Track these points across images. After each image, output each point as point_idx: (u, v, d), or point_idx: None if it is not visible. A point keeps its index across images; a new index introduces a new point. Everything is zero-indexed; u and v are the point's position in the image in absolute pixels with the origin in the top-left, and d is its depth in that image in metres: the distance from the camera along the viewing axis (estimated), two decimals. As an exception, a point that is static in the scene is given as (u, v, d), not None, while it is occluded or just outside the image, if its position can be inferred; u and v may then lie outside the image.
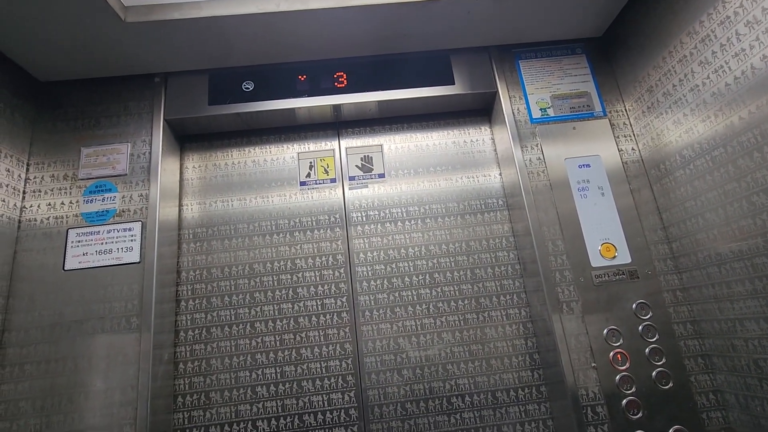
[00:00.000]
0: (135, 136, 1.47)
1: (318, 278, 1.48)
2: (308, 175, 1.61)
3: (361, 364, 1.40)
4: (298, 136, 1.66)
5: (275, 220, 1.55)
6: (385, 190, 1.59)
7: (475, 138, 1.66)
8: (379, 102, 1.55)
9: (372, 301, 1.46)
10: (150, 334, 1.25)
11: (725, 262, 1.16)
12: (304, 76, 1.55)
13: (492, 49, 1.59)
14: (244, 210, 1.56)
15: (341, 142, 1.66)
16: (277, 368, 1.38)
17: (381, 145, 1.65)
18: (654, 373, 1.24)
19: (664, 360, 1.25)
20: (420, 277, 1.48)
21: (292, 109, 1.54)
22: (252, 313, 1.44)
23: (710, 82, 1.16)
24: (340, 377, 1.38)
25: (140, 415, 1.19)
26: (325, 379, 1.38)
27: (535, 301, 1.40)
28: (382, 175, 1.61)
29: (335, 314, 1.44)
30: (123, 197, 1.40)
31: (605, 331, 1.28)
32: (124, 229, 1.37)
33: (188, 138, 1.64)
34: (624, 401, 1.21)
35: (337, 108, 1.57)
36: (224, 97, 1.52)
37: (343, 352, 1.41)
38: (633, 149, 1.48)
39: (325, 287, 1.47)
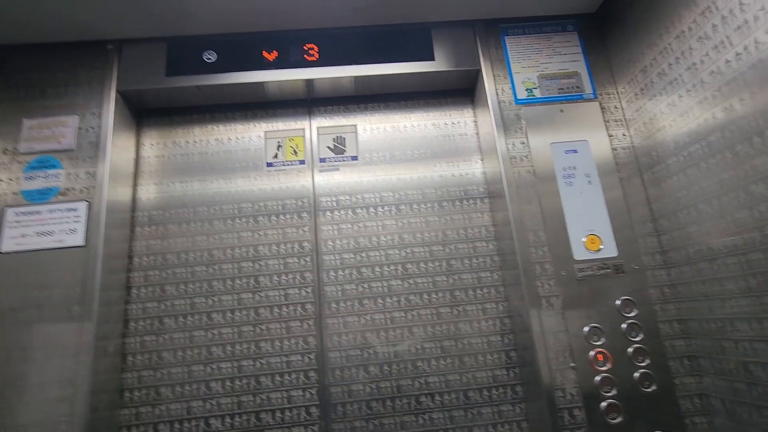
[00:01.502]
0: (84, 108, 1.34)
1: (282, 267, 1.37)
2: (276, 155, 1.49)
3: (325, 359, 1.30)
4: (266, 113, 1.54)
5: (238, 203, 1.43)
6: (357, 174, 1.48)
7: (456, 120, 1.55)
8: (355, 78, 1.43)
9: (339, 293, 1.36)
10: (92, 324, 1.15)
11: (718, 257, 1.07)
12: (272, 48, 1.42)
13: (477, 24, 1.47)
14: (205, 192, 1.44)
15: (312, 121, 1.54)
16: (234, 363, 1.28)
17: (355, 126, 1.53)
18: (637, 374, 1.15)
19: (647, 361, 1.17)
20: (392, 268, 1.38)
21: (260, 84, 1.41)
22: (209, 302, 1.33)
23: (709, 59, 1.05)
24: (302, 373, 1.29)
25: (78, 411, 1.09)
26: (286, 374, 1.28)
27: (513, 295, 1.30)
28: (355, 158, 1.50)
29: (299, 305, 1.34)
30: (68, 174, 1.28)
31: (586, 328, 1.19)
32: (68, 210, 1.25)
33: (146, 113, 1.51)
34: (603, 404, 1.13)
35: (308, 83, 1.45)
36: (183, 67, 1.39)
37: (306, 347, 1.31)
38: (624, 135, 1.37)
39: (290, 276, 1.36)
